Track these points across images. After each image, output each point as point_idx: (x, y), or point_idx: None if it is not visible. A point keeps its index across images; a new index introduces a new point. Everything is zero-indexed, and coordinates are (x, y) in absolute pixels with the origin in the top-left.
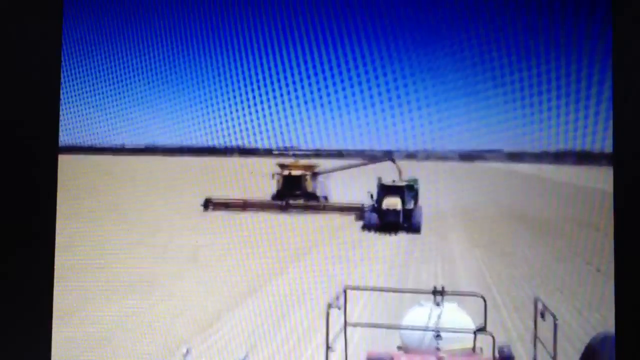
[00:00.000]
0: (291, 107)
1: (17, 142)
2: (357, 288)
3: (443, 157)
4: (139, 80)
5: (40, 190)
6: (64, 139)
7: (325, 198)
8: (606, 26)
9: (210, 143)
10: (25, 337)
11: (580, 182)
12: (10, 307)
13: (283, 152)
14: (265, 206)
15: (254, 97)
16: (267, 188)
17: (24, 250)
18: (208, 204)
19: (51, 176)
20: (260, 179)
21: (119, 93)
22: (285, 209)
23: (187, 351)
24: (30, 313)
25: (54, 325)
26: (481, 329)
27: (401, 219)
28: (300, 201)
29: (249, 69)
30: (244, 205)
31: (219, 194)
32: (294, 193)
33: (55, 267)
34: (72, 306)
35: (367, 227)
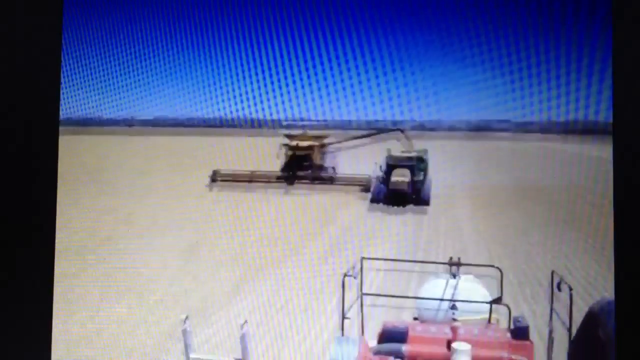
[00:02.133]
0: (300, 77)
1: (17, 133)
2: (373, 258)
3: (451, 127)
4: (146, 54)
5: (41, 181)
6: (65, 113)
7: (334, 169)
8: (606, 25)
9: (217, 115)
10: (25, 337)
11: (585, 152)
12: (10, 306)
13: (292, 124)
14: (272, 178)
15: (262, 70)
16: (275, 166)
17: (23, 250)
18: (215, 177)
19: (52, 168)
20: (269, 154)
21: (124, 66)
22: (292, 181)
23: (187, 317)
24: (30, 312)
25: (54, 325)
26: (496, 300)
27: (410, 191)
28: (308, 173)
29: (257, 42)
30: (251, 178)
31: (226, 167)
32: (302, 164)
33: (54, 264)
34: (73, 302)
35: (375, 199)
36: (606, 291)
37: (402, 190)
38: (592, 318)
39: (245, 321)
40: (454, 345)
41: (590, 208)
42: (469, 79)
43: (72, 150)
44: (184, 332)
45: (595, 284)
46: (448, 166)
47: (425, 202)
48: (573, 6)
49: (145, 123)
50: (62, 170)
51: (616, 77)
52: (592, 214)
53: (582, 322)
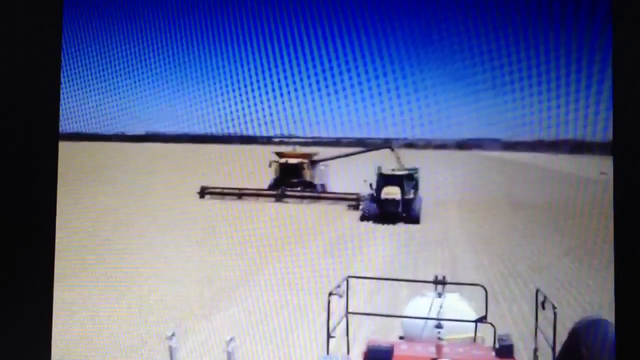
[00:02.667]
0: (289, 95)
1: (17, 133)
2: (359, 277)
3: (441, 145)
4: (138, 68)
5: (40, 182)
6: (64, 127)
7: (323, 187)
8: (606, 25)
9: (209, 131)
10: (25, 336)
11: (574, 171)
12: (10, 306)
13: (283, 140)
14: (261, 195)
15: (253, 85)
16: (265, 177)
17: (23, 250)
18: (204, 192)
19: (51, 168)
20: (259, 168)
21: (119, 81)
22: (280, 198)
23: (173, 334)
24: (30, 312)
25: (54, 325)
26: (481, 319)
27: (400, 209)
28: (297, 190)
29: (248, 57)
30: (240, 194)
31: (217, 182)
32: (291, 181)
33: (54, 264)
34: (73, 302)
35: (365, 217)
36: (592, 308)
37: (392, 207)
38: (575, 336)
39: (232, 338)
40: None
41: (580, 223)
42: (460, 98)
43: (71, 150)
44: (170, 349)
45: (581, 301)
46: (438, 183)
47: (416, 219)
48: (573, 6)
49: (137, 139)
50: (62, 171)
51: (616, 77)
52: (582, 229)
53: (566, 340)
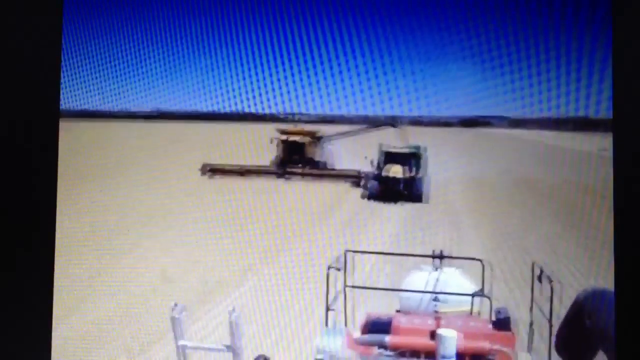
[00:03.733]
0: (293, 72)
1: (17, 133)
2: (357, 251)
3: (446, 123)
4: (143, 46)
5: (41, 175)
6: (65, 104)
7: (325, 164)
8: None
9: (213, 109)
10: (25, 336)
11: (580, 147)
12: (10, 306)
13: (288, 117)
14: (262, 172)
15: (257, 63)
16: (265, 155)
17: (23, 250)
18: (206, 170)
19: (51, 168)
20: (258, 145)
21: (125, 58)
22: (282, 175)
23: (176, 305)
24: (30, 312)
25: (54, 325)
26: (478, 293)
27: (403, 187)
28: (299, 167)
29: (253, 35)
30: (242, 171)
31: (221, 160)
32: (293, 158)
33: (54, 264)
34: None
35: (367, 195)
36: (592, 283)
37: (394, 185)
38: (578, 307)
39: (234, 308)
40: (440, 331)
41: (584, 203)
42: (466, 75)
43: (72, 144)
44: (173, 319)
45: (583, 277)
46: (442, 160)
47: (419, 198)
48: (573, 6)
49: (142, 116)
50: (62, 171)
51: (616, 77)
52: (586, 209)
53: (568, 311)
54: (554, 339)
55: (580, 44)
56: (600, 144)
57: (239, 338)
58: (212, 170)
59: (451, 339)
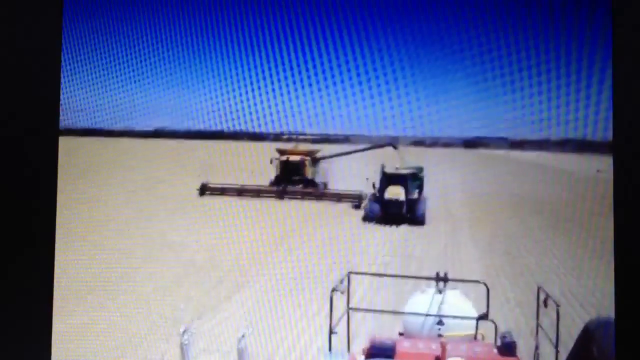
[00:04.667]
0: (296, 92)
1: (17, 132)
2: (360, 273)
3: (447, 144)
4: (140, 63)
5: (40, 180)
6: (65, 122)
7: (325, 185)
8: (606, 25)
9: (213, 127)
10: (25, 336)
11: (575, 169)
12: (10, 306)
13: (286, 137)
14: (261, 192)
15: (258, 82)
16: (268, 174)
17: (23, 250)
18: (204, 190)
19: (51, 166)
20: (260, 166)
21: (122, 77)
22: (281, 195)
23: (186, 330)
24: (30, 312)
25: (54, 325)
26: (483, 316)
27: (404, 210)
28: (299, 187)
29: (253, 54)
30: (240, 191)
31: (220, 179)
32: (293, 179)
33: (54, 264)
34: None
35: (368, 217)
36: (596, 305)
37: (395, 208)
38: (587, 335)
39: (244, 335)
40: None
41: (581, 222)
42: (467, 97)
43: (71, 150)
44: (182, 345)
45: (585, 300)
46: (444, 182)
47: (420, 221)
48: (573, 6)
49: (144, 135)
50: (62, 168)
51: (616, 77)
52: (583, 228)
53: (577, 339)
54: None
55: (579, 56)
56: (597, 165)
57: None
58: (211, 190)
59: None
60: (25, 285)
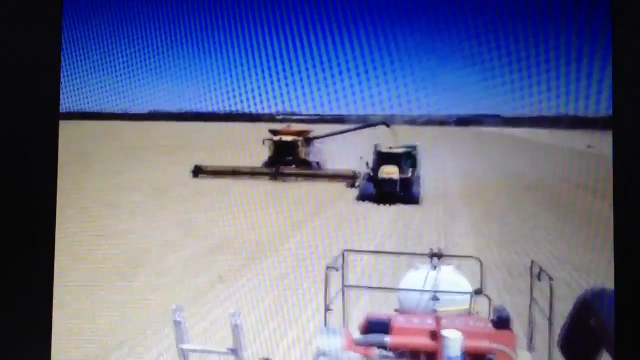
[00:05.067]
0: (285, 72)
1: (17, 126)
2: (356, 251)
3: (441, 122)
4: (135, 46)
5: (40, 174)
6: (65, 105)
7: (318, 164)
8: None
9: (208, 109)
10: (25, 337)
11: (569, 145)
12: (10, 306)
13: (286, 118)
14: (255, 173)
15: (248, 63)
16: (260, 155)
17: (23, 250)
18: (198, 172)
19: (51, 167)
20: (256, 146)
21: (118, 59)
22: (275, 176)
23: (177, 309)
24: (30, 312)
25: (54, 325)
26: (478, 291)
27: (398, 189)
28: (292, 168)
29: (244, 35)
30: (234, 173)
31: (214, 161)
32: (286, 160)
33: (54, 264)
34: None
35: (362, 197)
36: (592, 281)
37: (389, 187)
38: (582, 306)
39: (236, 311)
40: (445, 333)
41: (575, 199)
42: (461, 74)
43: (70, 142)
44: (175, 323)
45: (578, 274)
46: (438, 160)
47: (415, 200)
48: (573, 6)
49: (139, 117)
50: (62, 162)
51: (616, 76)
52: (583, 206)
53: (573, 311)
54: (556, 337)
55: (580, 43)
56: (589, 141)
57: (242, 341)
58: (204, 172)
59: (456, 341)
60: (25, 285)
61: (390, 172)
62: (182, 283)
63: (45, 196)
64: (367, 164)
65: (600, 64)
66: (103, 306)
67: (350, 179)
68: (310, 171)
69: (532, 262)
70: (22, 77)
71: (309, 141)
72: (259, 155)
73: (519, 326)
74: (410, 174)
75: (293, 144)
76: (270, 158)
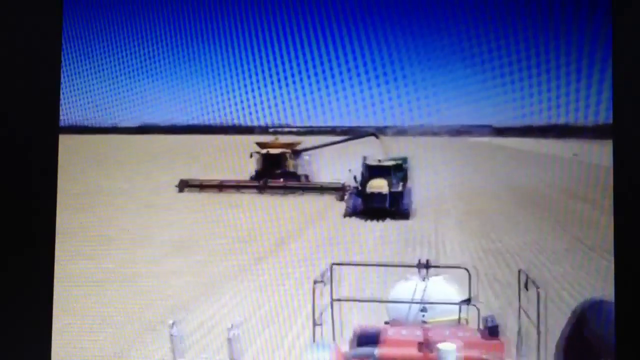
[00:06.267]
0: (273, 83)
1: (17, 131)
2: (343, 264)
3: (432, 132)
4: (122, 57)
5: (40, 179)
6: (64, 119)
7: (307, 177)
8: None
9: (198, 121)
10: (25, 337)
11: (555, 153)
12: (10, 306)
13: (277, 130)
14: (242, 187)
15: (237, 75)
16: (248, 169)
17: (23, 250)
18: (183, 186)
19: (52, 167)
20: (243, 159)
21: (112, 72)
22: (262, 189)
23: (174, 323)
24: (30, 312)
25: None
26: (466, 301)
27: (387, 204)
28: (280, 181)
29: (232, 47)
30: (220, 186)
31: (199, 174)
32: (274, 172)
33: (54, 265)
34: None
35: (350, 212)
36: (585, 292)
37: (378, 202)
38: (577, 317)
39: (232, 325)
40: (440, 346)
41: (572, 209)
42: (452, 84)
43: (70, 148)
44: (172, 337)
45: (573, 284)
46: (428, 172)
47: (405, 214)
48: (573, 6)
49: (130, 131)
50: (61, 165)
51: (616, 77)
52: (574, 214)
53: (567, 322)
54: (543, 345)
55: (579, 45)
56: (574, 149)
57: (238, 355)
58: (189, 186)
59: (451, 352)
60: (25, 285)
61: (378, 185)
62: (168, 296)
63: (45, 205)
64: (355, 177)
65: (599, 76)
66: (103, 307)
67: (339, 191)
68: (298, 184)
69: (520, 271)
70: (21, 92)
71: (297, 153)
72: (246, 169)
73: (508, 335)
74: (400, 188)
75: (280, 157)
76: (257, 171)
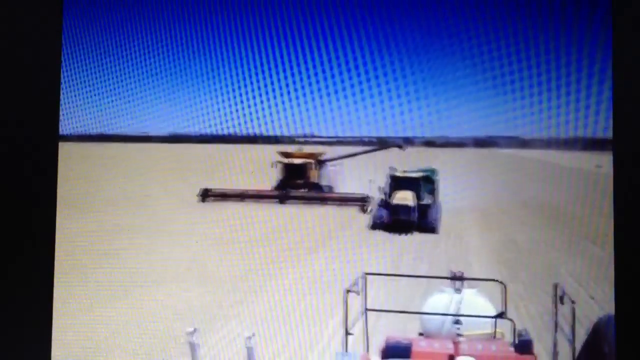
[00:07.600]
0: (298, 94)
1: (18, 134)
2: (375, 274)
3: (458, 144)
4: (139, 67)
5: (41, 182)
6: (64, 128)
7: (330, 188)
8: (606, 25)
9: (221, 132)
10: (26, 337)
11: (578, 166)
12: (11, 306)
13: (308, 140)
14: (263, 196)
15: (262, 85)
16: (268, 178)
17: (24, 251)
18: (205, 195)
19: (52, 168)
20: (262, 169)
21: (119, 81)
22: (284, 199)
23: (194, 330)
24: (30, 312)
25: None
26: (500, 315)
27: (414, 217)
28: (302, 191)
29: (253, 56)
30: (242, 195)
31: (221, 184)
32: (296, 182)
33: (55, 264)
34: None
35: (374, 225)
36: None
37: (404, 214)
38: (597, 333)
39: (253, 334)
40: (458, 359)
41: (596, 222)
42: (476, 93)
43: (71, 154)
44: (191, 345)
45: (598, 298)
46: (454, 182)
47: (431, 228)
48: (573, 6)
49: (137, 139)
50: (62, 172)
51: (616, 77)
52: (599, 228)
53: (587, 337)
54: None
55: (579, 45)
56: (597, 161)
57: None
58: (212, 195)
59: None
60: (25, 285)
61: (404, 197)
62: (193, 305)
63: (45, 206)
64: (380, 188)
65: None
66: (103, 309)
67: (362, 202)
68: (320, 194)
69: (556, 285)
70: (22, 95)
71: (321, 163)
72: (263, 178)
73: (541, 350)
74: (429, 200)
75: (303, 167)
76: (279, 181)
